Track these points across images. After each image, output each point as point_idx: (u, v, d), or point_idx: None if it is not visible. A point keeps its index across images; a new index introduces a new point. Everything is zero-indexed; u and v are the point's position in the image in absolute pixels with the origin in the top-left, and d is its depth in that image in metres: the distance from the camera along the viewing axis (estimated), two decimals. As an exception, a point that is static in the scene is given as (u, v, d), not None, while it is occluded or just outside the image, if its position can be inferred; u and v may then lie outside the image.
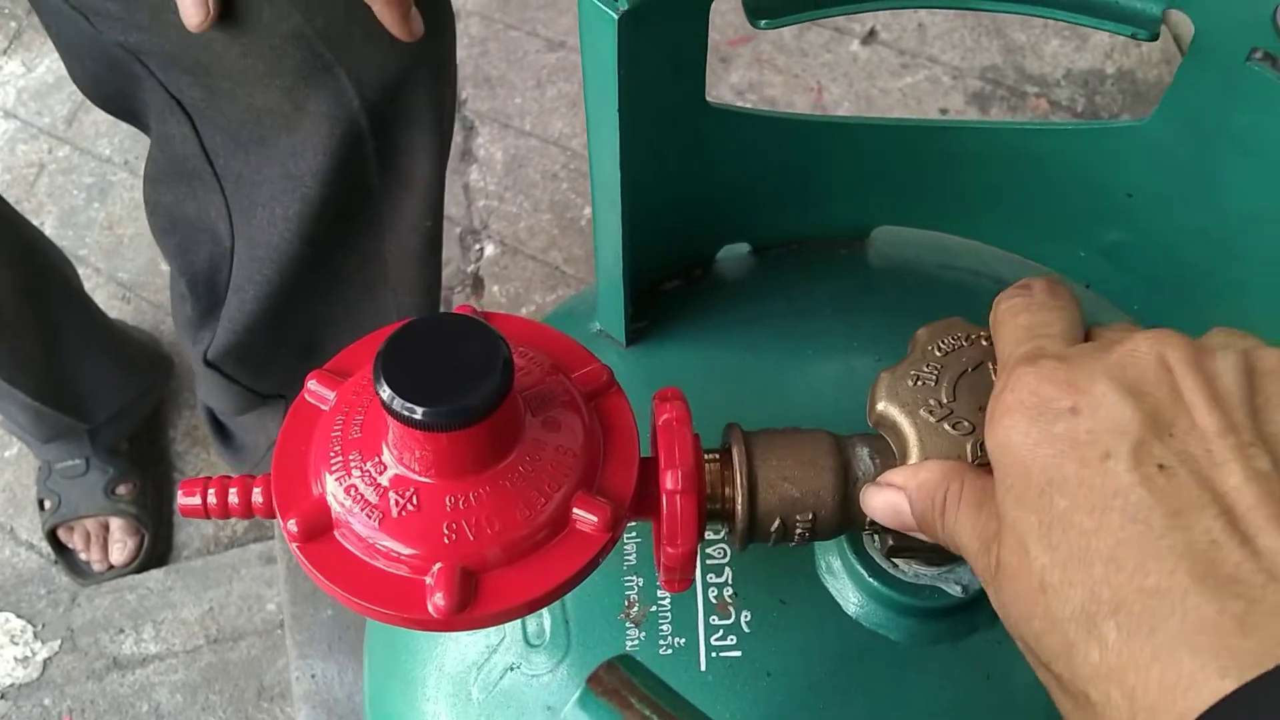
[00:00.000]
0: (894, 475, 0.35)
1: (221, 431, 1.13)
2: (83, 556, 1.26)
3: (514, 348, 0.38)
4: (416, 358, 0.33)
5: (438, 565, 0.34)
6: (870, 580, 0.42)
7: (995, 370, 0.36)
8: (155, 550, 1.27)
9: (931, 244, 0.54)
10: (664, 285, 0.53)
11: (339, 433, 0.36)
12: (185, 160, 0.74)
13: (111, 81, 0.73)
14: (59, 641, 1.20)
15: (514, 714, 0.45)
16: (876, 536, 0.41)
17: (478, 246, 1.42)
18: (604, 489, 0.37)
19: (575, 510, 0.35)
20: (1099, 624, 0.25)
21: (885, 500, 0.35)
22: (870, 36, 1.55)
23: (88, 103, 0.77)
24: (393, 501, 0.35)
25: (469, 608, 0.34)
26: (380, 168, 0.74)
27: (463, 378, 0.33)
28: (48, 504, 1.26)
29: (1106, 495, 0.26)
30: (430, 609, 0.34)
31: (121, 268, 1.44)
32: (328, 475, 0.35)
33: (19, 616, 1.21)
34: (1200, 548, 0.24)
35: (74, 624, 1.21)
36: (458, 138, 1.46)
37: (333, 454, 0.36)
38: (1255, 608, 0.23)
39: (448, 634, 0.48)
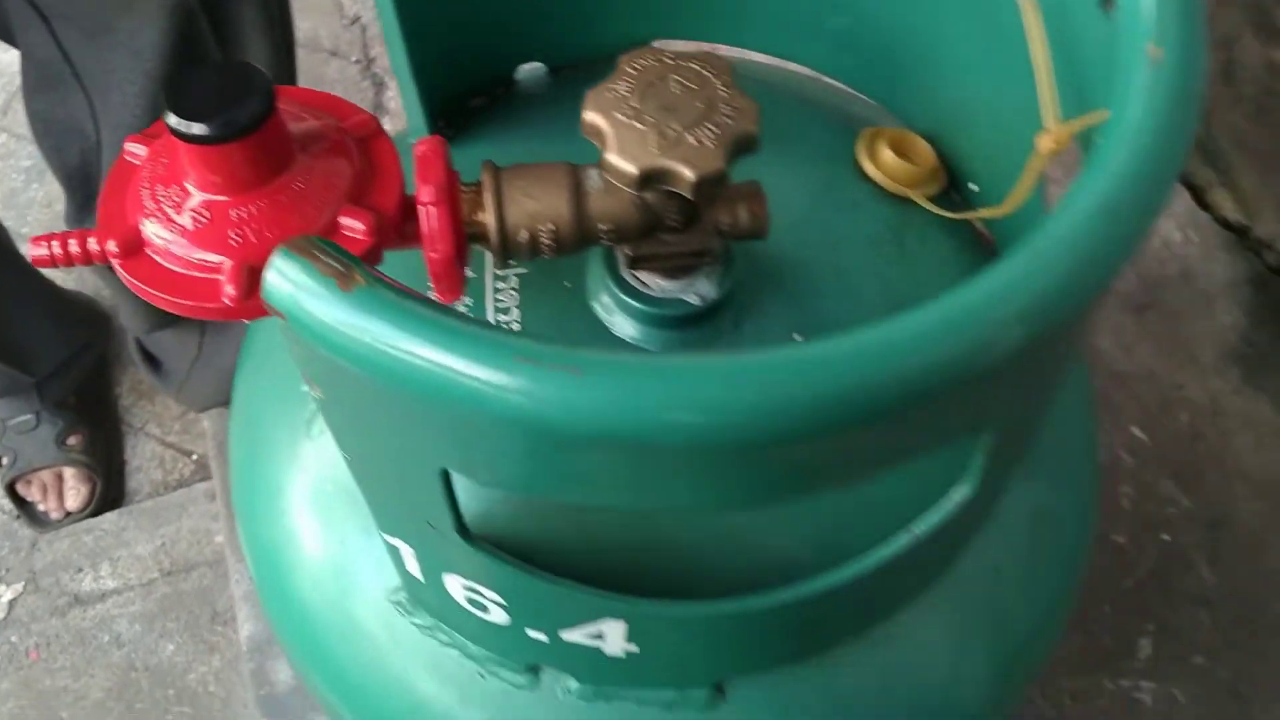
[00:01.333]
0: None
1: (150, 360, 1.21)
2: (40, 507, 1.33)
3: (295, 106, 0.46)
4: (197, 92, 0.41)
5: (228, 264, 0.42)
6: (623, 296, 0.50)
7: (678, 81, 0.44)
8: (108, 497, 1.35)
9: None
10: (470, 103, 0.61)
11: (148, 173, 0.44)
12: (49, 65, 0.84)
13: None
14: (22, 584, 1.27)
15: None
16: (619, 252, 0.49)
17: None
18: (370, 206, 0.45)
19: (342, 219, 0.43)
20: None
21: None
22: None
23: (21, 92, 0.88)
24: (189, 218, 0.43)
25: (253, 296, 0.42)
26: (220, 46, 0.83)
27: (233, 102, 0.41)
28: (4, 460, 1.33)
29: None
30: (224, 299, 0.42)
31: (61, 242, 1.52)
32: (139, 206, 0.43)
33: (-18, 565, 1.28)
34: None
35: (35, 566, 1.28)
36: (369, 93, 1.54)
37: (143, 188, 0.44)
38: None
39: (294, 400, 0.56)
